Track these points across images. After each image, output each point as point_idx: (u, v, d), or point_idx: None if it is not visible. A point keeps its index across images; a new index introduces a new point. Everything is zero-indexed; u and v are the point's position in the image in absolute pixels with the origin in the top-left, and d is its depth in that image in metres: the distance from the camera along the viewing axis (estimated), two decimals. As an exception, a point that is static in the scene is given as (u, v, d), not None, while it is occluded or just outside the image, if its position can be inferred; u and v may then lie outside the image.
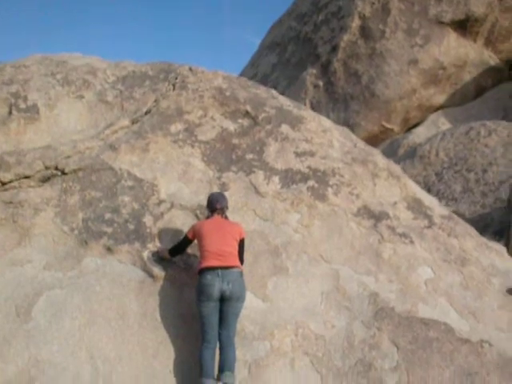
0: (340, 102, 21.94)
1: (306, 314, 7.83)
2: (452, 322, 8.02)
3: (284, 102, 10.57)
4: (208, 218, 8.01)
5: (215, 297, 7.28)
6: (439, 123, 21.33)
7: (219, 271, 7.33)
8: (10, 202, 8.43)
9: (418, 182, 16.00)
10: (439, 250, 8.92)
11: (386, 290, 8.19)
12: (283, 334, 7.61)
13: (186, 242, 7.88)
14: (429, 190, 16.53)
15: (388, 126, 21.42)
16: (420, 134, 20.67)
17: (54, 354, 7.19)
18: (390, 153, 19.73)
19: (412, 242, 8.84)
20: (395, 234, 8.88)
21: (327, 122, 10.63)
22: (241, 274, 7.49)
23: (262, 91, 10.95)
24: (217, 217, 7.91)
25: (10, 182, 8.67)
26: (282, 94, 20.68)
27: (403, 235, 8.89)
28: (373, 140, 20.54)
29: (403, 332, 7.78)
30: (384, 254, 8.58)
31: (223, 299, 7.31)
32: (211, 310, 7.29)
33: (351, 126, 20.39)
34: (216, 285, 7.28)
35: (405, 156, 19.33)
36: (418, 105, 21.59)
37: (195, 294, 7.44)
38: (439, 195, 16.91)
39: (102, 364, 7.20)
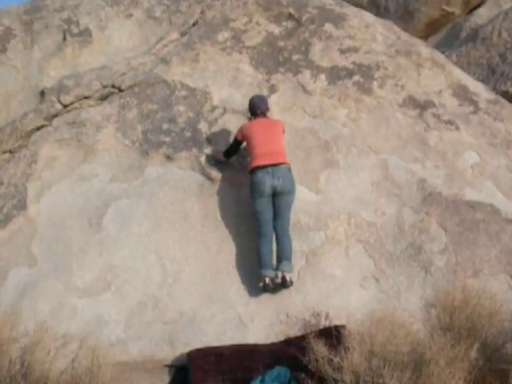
0: (399, -11, 21.56)
1: (357, 203, 8.14)
2: (498, 204, 8.16)
3: (326, 1, 10.60)
4: (251, 119, 8.39)
5: (267, 193, 7.66)
6: (501, 2, 20.76)
7: (269, 169, 7.69)
8: (73, 123, 8.93)
9: (481, 64, 15.90)
10: (485, 134, 8.95)
11: (433, 175, 8.35)
12: (337, 223, 7.97)
13: (236, 143, 8.28)
14: (493, 72, 16.30)
15: (448, 9, 20.96)
16: (482, 15, 20.17)
17: (126, 259, 7.78)
18: (452, 36, 19.40)
19: (458, 128, 8.90)
20: (441, 121, 8.94)
21: (370, 17, 10.63)
22: (289, 169, 7.83)
23: (304, -8, 10.98)
24: (262, 119, 8.26)
25: (71, 103, 9.16)
26: (340, -14, 20.62)
27: (449, 122, 8.94)
28: (434, 25, 20.19)
29: (450, 215, 7.99)
30: (430, 142, 8.69)
31: (275, 194, 7.68)
32: (264, 205, 7.70)
33: (411, 12, 20.06)
34: (267, 181, 7.65)
35: (467, 39, 18.98)
36: (479, -15, 21.07)
37: (249, 192, 7.87)
38: (504, 76, 16.64)
39: (170, 264, 7.76)
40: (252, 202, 7.81)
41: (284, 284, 7.38)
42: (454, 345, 5.71)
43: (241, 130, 8.20)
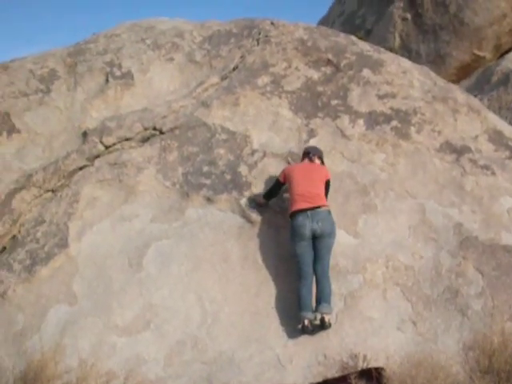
0: (430, 34, 21.61)
1: (395, 247, 8.21)
2: (533, 248, 8.17)
3: (364, 47, 10.78)
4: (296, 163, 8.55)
5: (307, 236, 7.77)
6: (532, 46, 20.84)
7: (308, 212, 7.81)
8: (115, 164, 9.11)
9: (512, 109, 15.98)
10: None
11: (470, 220, 8.40)
12: (375, 266, 8.05)
13: (277, 185, 8.41)
14: (523, 116, 16.36)
15: (480, 53, 21.03)
16: (513, 60, 20.25)
17: (166, 299, 7.89)
18: (484, 81, 19.47)
19: (494, 173, 8.94)
20: (477, 166, 8.99)
21: (407, 63, 10.78)
22: (329, 212, 7.93)
23: (341, 38, 11.17)
24: (305, 162, 8.43)
25: (113, 144, 9.38)
26: (371, 29, 20.77)
27: (485, 167, 8.99)
28: (465, 69, 20.29)
29: (487, 259, 8.02)
30: (467, 187, 8.74)
31: (315, 237, 7.79)
32: (305, 248, 7.79)
33: (442, 57, 20.19)
34: (307, 225, 7.77)
35: (498, 83, 19.04)
36: (510, 29, 21.06)
37: (289, 235, 7.98)
38: (534, 120, 16.70)
39: (209, 305, 7.85)
40: (292, 245, 7.91)
41: (323, 326, 7.43)
42: (494, 387, 5.76)
43: (283, 172, 8.35)
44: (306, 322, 7.44)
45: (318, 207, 7.87)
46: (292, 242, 7.91)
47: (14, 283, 8.17)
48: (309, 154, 8.52)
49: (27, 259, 8.40)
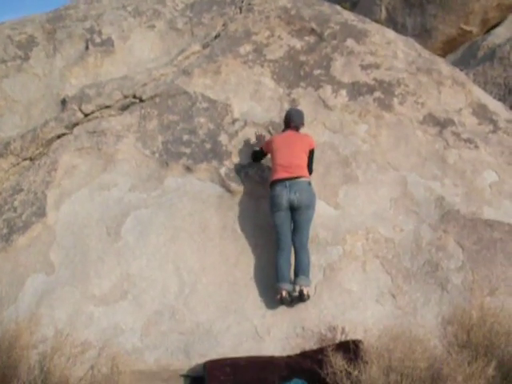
0: (416, 7, 21.47)
1: (375, 219, 8.16)
2: (516, 223, 8.15)
3: (348, 16, 10.66)
4: (282, 131, 8.44)
5: (284, 206, 7.70)
6: (519, 22, 20.78)
7: (287, 182, 7.74)
8: (94, 132, 8.99)
9: (498, 84, 15.94)
10: (504, 153, 8.93)
11: (452, 193, 8.36)
12: (355, 238, 8.00)
13: (261, 152, 8.44)
14: (509, 92, 16.32)
15: (466, 28, 20.92)
16: (500, 35, 20.13)
17: (143, 268, 7.83)
18: (470, 56, 19.41)
19: (477, 146, 8.90)
20: (460, 139, 8.94)
21: (391, 34, 10.67)
22: (309, 183, 7.86)
23: (326, 7, 11.03)
24: (289, 132, 8.31)
25: (92, 112, 9.23)
26: (357, 1, 20.63)
27: (468, 140, 8.94)
28: (452, 44, 20.21)
29: (468, 233, 7.98)
30: (449, 160, 8.68)
31: (293, 208, 7.71)
32: (282, 219, 7.73)
33: (429, 31, 20.10)
34: (284, 195, 7.69)
35: (484, 58, 18.99)
36: (497, 4, 20.94)
37: (268, 205, 7.92)
38: (520, 96, 16.66)
39: (187, 275, 7.79)
40: (271, 215, 7.85)
41: (301, 298, 7.39)
42: (471, 362, 5.72)
43: (266, 142, 8.32)
44: (284, 293, 7.40)
45: (298, 177, 7.79)
46: (270, 213, 7.85)
47: (-9, 252, 8.07)
48: (293, 123, 8.36)
49: (4, 228, 8.30)
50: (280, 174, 7.84)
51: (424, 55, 10.26)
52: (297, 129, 8.34)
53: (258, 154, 8.50)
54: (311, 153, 8.14)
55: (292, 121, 8.36)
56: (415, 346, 5.88)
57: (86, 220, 8.28)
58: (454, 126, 9.07)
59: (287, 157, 7.92)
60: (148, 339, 7.39)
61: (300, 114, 8.48)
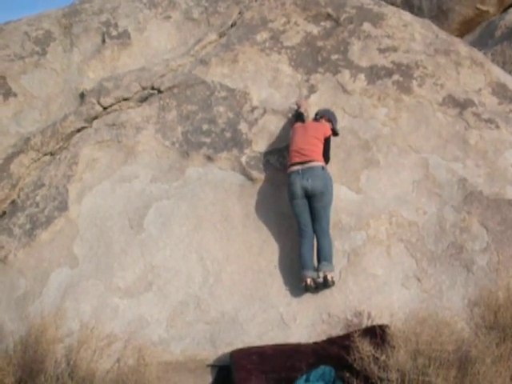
0: (433, -12, 21.37)
1: (398, 202, 8.10)
2: (539, 202, 8.08)
3: (364, 0, 10.53)
4: None
5: (299, 194, 7.68)
6: (537, 0, 20.55)
7: (300, 170, 7.73)
8: (113, 124, 8.99)
9: (516, 63, 15.81)
10: None
11: (474, 174, 8.26)
12: (378, 222, 7.96)
13: (302, 114, 8.60)
14: (528, 70, 16.17)
15: (483, 7, 20.71)
16: (517, 14, 20.00)
17: (167, 259, 7.85)
18: (487, 36, 19.24)
19: (498, 126, 8.75)
20: (481, 120, 8.80)
21: (408, 16, 10.53)
22: (322, 168, 7.80)
23: (341, -8, 10.92)
24: (310, 121, 8.37)
25: (111, 105, 9.22)
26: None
27: (489, 121, 8.80)
28: (468, 24, 20.02)
29: (492, 214, 7.91)
30: (471, 141, 8.56)
31: (308, 195, 7.69)
32: (301, 207, 7.71)
33: (445, 12, 19.92)
34: (297, 183, 7.68)
35: (502, 37, 18.82)
36: (514, -17, 20.81)
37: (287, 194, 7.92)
38: (539, 74, 16.49)
39: (211, 264, 7.81)
40: (290, 204, 7.85)
41: (326, 284, 7.40)
42: (499, 343, 5.69)
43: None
44: (309, 280, 7.41)
45: (309, 161, 7.77)
46: (289, 201, 7.85)
47: (15, 248, 8.15)
48: (317, 115, 8.44)
49: (27, 223, 8.35)
50: (293, 159, 7.87)
51: (441, 36, 10.13)
52: (317, 120, 8.39)
53: (300, 116, 8.52)
54: (327, 141, 8.11)
55: (316, 113, 8.48)
56: (442, 329, 5.85)
57: (109, 213, 8.32)
58: (474, 106, 8.94)
59: (300, 142, 7.94)
60: (174, 330, 7.43)
61: (326, 109, 8.60)
